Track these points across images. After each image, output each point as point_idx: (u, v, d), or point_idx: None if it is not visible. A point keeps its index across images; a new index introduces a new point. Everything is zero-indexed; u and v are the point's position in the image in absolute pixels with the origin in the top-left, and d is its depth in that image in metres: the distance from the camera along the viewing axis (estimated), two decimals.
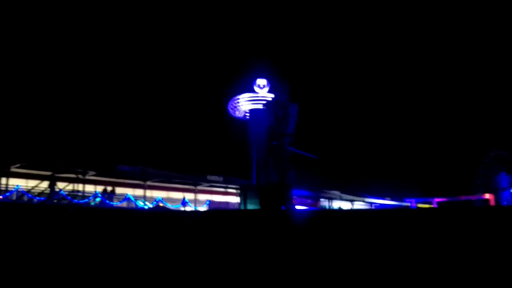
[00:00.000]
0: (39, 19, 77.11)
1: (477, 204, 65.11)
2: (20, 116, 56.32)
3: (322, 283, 4.03)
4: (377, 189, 71.79)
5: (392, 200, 70.96)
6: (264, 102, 52.19)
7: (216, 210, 39.99)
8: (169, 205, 40.01)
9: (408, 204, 69.92)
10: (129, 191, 39.91)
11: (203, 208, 43.33)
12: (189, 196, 45.43)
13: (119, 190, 39.52)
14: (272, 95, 52.28)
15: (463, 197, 69.73)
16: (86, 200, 35.04)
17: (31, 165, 33.90)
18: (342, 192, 63.97)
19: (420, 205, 68.64)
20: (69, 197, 33.65)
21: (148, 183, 41.91)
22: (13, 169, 33.36)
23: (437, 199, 70.16)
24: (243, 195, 41.75)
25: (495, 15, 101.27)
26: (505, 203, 66.43)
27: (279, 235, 4.97)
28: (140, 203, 38.09)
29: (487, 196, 68.15)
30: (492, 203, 66.54)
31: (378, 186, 72.80)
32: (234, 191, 49.66)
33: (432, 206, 67.76)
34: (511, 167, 68.25)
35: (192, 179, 46.05)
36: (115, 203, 36.88)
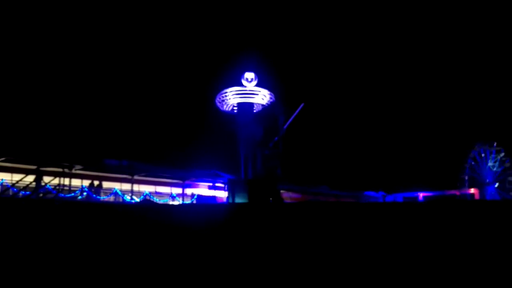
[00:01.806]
0: (26, 17, 76.04)
1: (462, 198, 66.02)
2: (4, 109, 55.53)
3: (311, 276, 4.07)
4: (364, 183, 72.42)
5: (378, 194, 71.63)
6: (252, 95, 52.33)
7: (204, 203, 39.97)
8: (157, 200, 39.89)
9: (395, 198, 70.67)
10: (116, 185, 39.69)
11: (191, 202, 43.29)
12: (177, 190, 45.33)
13: (106, 184, 39.26)
14: (260, 89, 52.38)
15: (449, 192, 70.60)
16: (73, 194, 34.77)
17: (16, 158, 33.51)
18: (330, 187, 64.43)
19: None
20: (55, 191, 33.34)
21: (136, 177, 41.69)
22: None
23: (423, 194, 70.96)
24: (231, 189, 41.79)
25: (476, 12, 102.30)
26: (490, 197, 67.40)
27: (268, 227, 5.01)
28: (128, 198, 37.92)
29: (472, 190, 69.05)
30: (477, 197, 67.49)
31: (365, 181, 73.45)
32: (222, 185, 49.67)
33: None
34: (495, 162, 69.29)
35: (180, 173, 45.95)
36: (102, 197, 36.66)
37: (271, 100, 52.18)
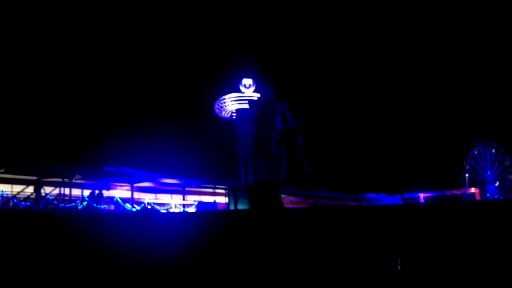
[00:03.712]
0: (25, 24, 76.06)
1: (463, 198, 66.03)
2: (3, 120, 55.48)
3: (313, 278, 4.03)
4: (364, 185, 72.38)
5: (379, 196, 71.57)
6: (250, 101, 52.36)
7: (206, 211, 39.88)
8: (158, 207, 39.78)
9: (396, 199, 70.61)
10: (117, 194, 39.58)
11: (191, 209, 43.20)
12: (177, 197, 45.25)
13: (106, 193, 39.17)
14: (258, 95, 52.38)
15: (449, 192, 70.62)
16: (73, 204, 34.63)
17: (16, 170, 33.38)
18: (329, 190, 64.41)
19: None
20: (55, 202, 33.22)
21: (136, 185, 41.60)
22: None
23: (424, 194, 70.97)
24: (232, 195, 41.71)
25: (475, 10, 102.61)
26: (491, 196, 67.39)
27: (270, 234, 4.97)
28: (128, 206, 37.81)
29: (472, 190, 69.02)
30: (478, 197, 67.47)
31: (365, 183, 73.41)
32: (222, 191, 49.58)
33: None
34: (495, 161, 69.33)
35: (180, 180, 45.89)
36: (103, 206, 36.52)
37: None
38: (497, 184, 69.48)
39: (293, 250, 4.40)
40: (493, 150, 69.51)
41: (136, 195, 42.37)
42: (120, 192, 42.39)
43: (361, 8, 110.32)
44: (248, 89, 53.72)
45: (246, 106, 52.32)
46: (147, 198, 43.34)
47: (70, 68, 75.85)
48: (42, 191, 33.02)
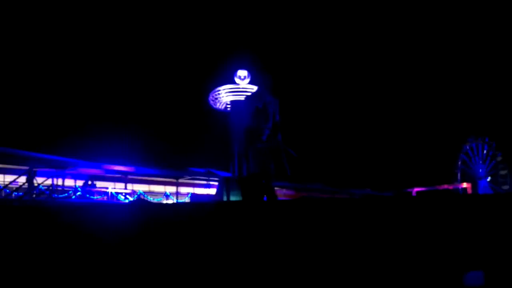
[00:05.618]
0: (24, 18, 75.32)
1: (455, 192, 66.54)
2: None
3: (307, 274, 4.04)
4: (358, 180, 72.72)
5: (372, 191, 71.94)
6: (245, 93, 52.22)
7: (198, 202, 39.86)
8: (151, 199, 39.77)
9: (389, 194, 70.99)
10: (110, 185, 39.51)
11: (185, 200, 43.25)
12: (170, 189, 45.22)
13: (99, 184, 39.10)
14: (253, 87, 52.29)
15: (441, 187, 71.07)
16: (66, 194, 34.52)
17: (8, 159, 33.15)
18: (323, 184, 64.61)
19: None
20: (48, 192, 33.09)
21: (129, 176, 41.52)
22: None
23: (416, 189, 71.38)
24: (225, 187, 41.73)
25: (468, 8, 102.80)
26: (482, 191, 67.93)
27: (262, 226, 4.97)
28: (121, 197, 37.76)
29: (464, 185, 69.53)
30: (470, 191, 67.98)
31: (359, 178, 73.77)
32: (216, 183, 49.62)
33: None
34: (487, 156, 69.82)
35: (174, 172, 45.84)
36: (96, 197, 36.47)
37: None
38: (489, 179, 70.06)
39: (286, 240, 4.41)
40: (486, 146, 69.94)
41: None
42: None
43: (356, 4, 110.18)
44: (243, 81, 53.54)
45: (241, 98, 52.25)
46: None
47: (66, 59, 75.28)
48: (35, 181, 32.83)
